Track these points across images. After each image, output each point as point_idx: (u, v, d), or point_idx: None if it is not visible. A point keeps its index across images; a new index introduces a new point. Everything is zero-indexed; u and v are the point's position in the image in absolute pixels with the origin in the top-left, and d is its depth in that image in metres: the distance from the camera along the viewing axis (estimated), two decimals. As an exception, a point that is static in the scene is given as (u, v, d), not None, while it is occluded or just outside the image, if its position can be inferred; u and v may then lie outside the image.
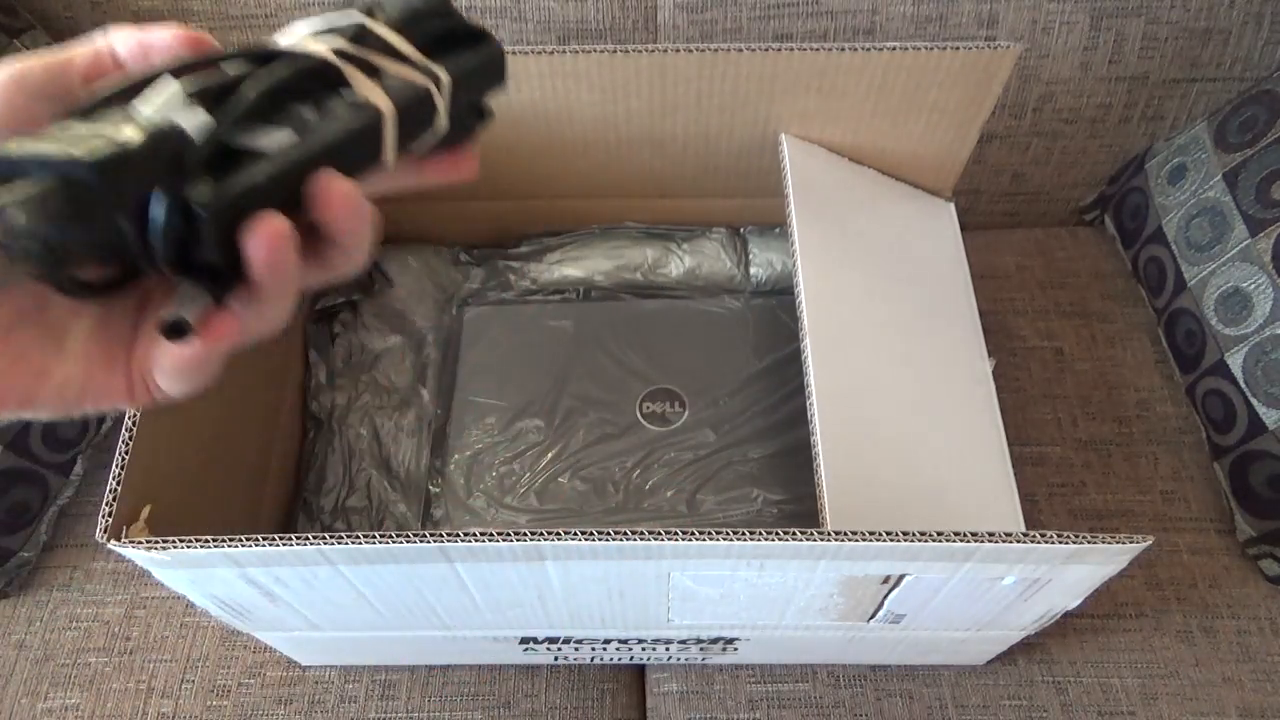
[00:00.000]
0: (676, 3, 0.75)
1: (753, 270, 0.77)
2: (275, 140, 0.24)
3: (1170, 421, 0.77)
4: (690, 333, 0.75)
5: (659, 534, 0.43)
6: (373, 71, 0.26)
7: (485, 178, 0.72)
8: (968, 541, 0.43)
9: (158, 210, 0.22)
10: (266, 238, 0.23)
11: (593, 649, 0.63)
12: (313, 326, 0.74)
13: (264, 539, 0.43)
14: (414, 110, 0.27)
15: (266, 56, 0.25)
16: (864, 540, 0.43)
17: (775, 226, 0.79)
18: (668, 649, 0.63)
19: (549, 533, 0.43)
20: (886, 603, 0.52)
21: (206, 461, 0.57)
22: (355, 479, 0.70)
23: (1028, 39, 0.77)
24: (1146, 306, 0.82)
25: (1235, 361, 0.69)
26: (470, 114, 0.29)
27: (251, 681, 0.67)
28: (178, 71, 0.24)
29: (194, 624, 0.70)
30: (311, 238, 0.25)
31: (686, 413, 0.71)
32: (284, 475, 0.70)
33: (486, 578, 0.49)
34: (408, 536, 0.43)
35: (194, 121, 0.23)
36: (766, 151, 0.68)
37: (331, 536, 0.43)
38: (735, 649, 0.63)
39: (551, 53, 0.60)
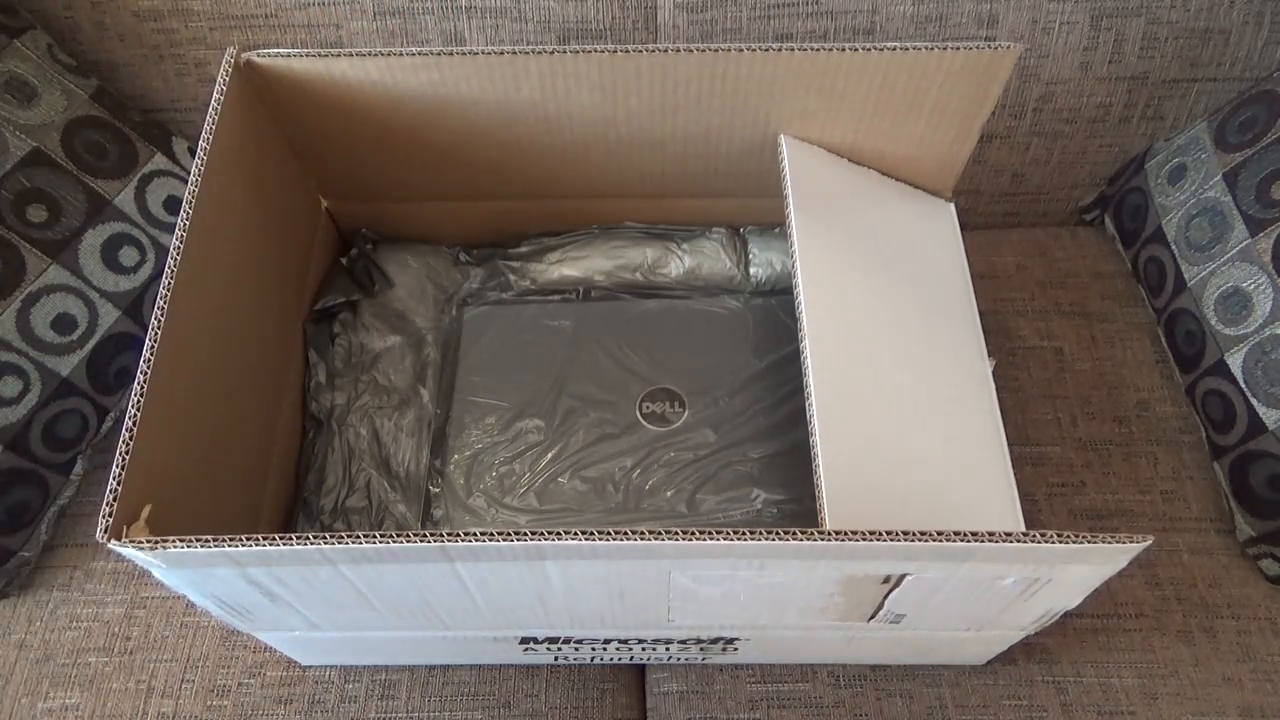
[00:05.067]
0: (676, 3, 0.75)
1: (753, 270, 0.77)
2: None
3: (1170, 421, 0.77)
4: (690, 333, 0.75)
5: (659, 534, 0.43)
6: None
7: (485, 178, 0.72)
8: (967, 541, 0.43)
9: None
10: None
11: (593, 649, 0.63)
12: (312, 326, 0.74)
13: (264, 539, 0.43)
14: None
15: None
16: (864, 540, 0.43)
17: (775, 226, 0.79)
18: (668, 649, 0.63)
19: (549, 533, 0.43)
20: (886, 603, 0.52)
21: (206, 461, 0.57)
22: (355, 479, 0.70)
23: (1028, 39, 0.77)
24: (1146, 306, 0.83)
25: (1235, 361, 0.69)
26: None
27: (251, 681, 0.67)
28: None
29: (194, 624, 0.70)
30: None
31: (686, 413, 0.71)
32: (284, 475, 0.69)
33: (486, 578, 0.49)
34: (408, 536, 0.43)
35: None
36: (766, 151, 0.68)
37: (332, 536, 0.43)
38: (735, 649, 0.63)
39: (551, 53, 0.60)
